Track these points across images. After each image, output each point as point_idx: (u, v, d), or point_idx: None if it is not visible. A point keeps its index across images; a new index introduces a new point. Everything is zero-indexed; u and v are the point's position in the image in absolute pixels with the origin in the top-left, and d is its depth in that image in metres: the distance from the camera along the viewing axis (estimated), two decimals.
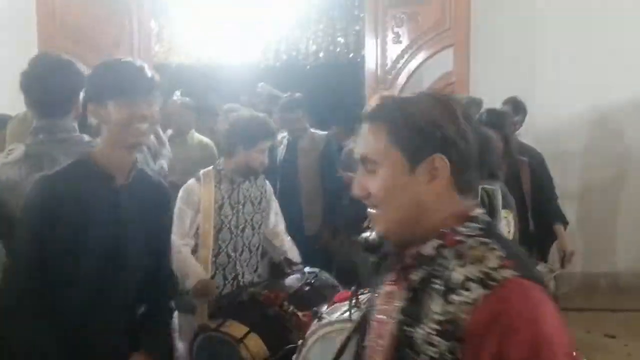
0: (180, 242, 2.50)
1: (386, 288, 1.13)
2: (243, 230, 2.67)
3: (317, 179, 4.05)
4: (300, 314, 2.36)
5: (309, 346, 1.94)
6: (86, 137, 2.10)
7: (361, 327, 1.23)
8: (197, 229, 2.58)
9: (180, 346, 2.62)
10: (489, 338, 0.92)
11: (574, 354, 0.98)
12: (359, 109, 3.87)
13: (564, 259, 3.37)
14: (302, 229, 3.89)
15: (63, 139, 2.01)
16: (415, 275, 1.04)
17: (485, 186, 1.95)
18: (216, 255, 2.61)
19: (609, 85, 4.63)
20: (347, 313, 1.74)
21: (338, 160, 3.78)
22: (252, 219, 2.70)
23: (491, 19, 4.60)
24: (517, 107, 3.92)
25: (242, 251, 2.68)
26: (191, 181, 2.64)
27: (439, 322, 0.97)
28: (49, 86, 1.94)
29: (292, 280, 2.64)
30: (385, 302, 1.11)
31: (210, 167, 2.69)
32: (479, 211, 1.07)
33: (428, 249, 1.04)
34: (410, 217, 1.05)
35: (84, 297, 1.69)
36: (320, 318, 1.97)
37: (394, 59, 4.60)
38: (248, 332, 2.24)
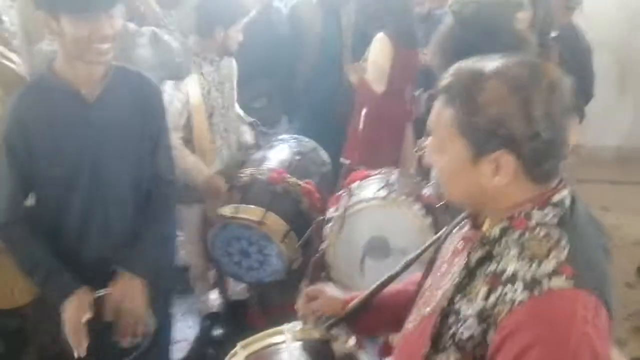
0: (174, 136, 2.42)
1: (456, 243, 1.13)
2: (228, 109, 2.64)
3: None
4: (301, 182, 2.48)
5: (350, 219, 2.14)
6: (132, 26, 2.08)
7: (429, 262, 1.23)
8: (187, 118, 2.47)
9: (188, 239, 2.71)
10: (518, 335, 0.91)
11: None
12: None
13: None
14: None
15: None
16: (474, 256, 1.02)
17: None
18: (212, 142, 2.57)
19: None
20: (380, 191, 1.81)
21: None
22: (231, 97, 2.68)
23: None
24: None
25: (230, 130, 2.68)
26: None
27: (479, 306, 0.98)
28: None
29: (280, 152, 2.69)
30: (451, 259, 1.13)
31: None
32: (562, 195, 1.00)
33: (495, 230, 1.01)
34: (474, 201, 1.04)
35: (72, 216, 1.66)
36: (351, 195, 2.17)
37: None
38: (265, 213, 2.32)
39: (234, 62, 2.70)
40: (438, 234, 1.29)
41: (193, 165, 2.44)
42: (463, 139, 0.98)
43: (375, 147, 3.07)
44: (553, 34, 3.05)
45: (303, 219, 2.45)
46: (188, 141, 2.48)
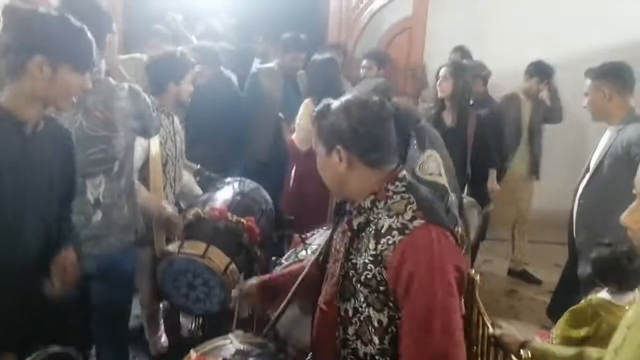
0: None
1: (341, 228, 1.57)
2: (178, 159, 2.87)
3: None
4: (243, 220, 2.66)
5: None
6: (112, 81, 2.22)
7: (324, 251, 1.69)
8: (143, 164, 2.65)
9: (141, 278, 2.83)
10: (404, 265, 1.36)
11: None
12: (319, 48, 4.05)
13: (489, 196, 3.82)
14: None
15: (93, 79, 2.04)
16: (356, 222, 1.48)
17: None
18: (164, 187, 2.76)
19: (559, 36, 4.88)
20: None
21: None
22: (181, 148, 2.91)
23: None
24: (463, 55, 4.26)
25: (177, 181, 2.89)
26: None
27: (372, 255, 1.42)
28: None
29: (224, 193, 2.89)
30: (340, 239, 1.56)
31: None
32: (403, 173, 1.48)
33: (367, 202, 1.48)
34: (337, 186, 1.52)
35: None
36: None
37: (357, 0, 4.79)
38: (207, 247, 2.47)
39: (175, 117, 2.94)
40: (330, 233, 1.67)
41: (151, 200, 2.62)
42: (321, 142, 1.49)
43: (304, 201, 3.38)
44: (471, 102, 3.62)
45: (244, 253, 2.63)
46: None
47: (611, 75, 2.75)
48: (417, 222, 1.39)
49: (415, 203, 1.43)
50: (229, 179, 3.08)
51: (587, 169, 2.88)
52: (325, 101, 1.54)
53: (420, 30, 4.79)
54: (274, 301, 1.79)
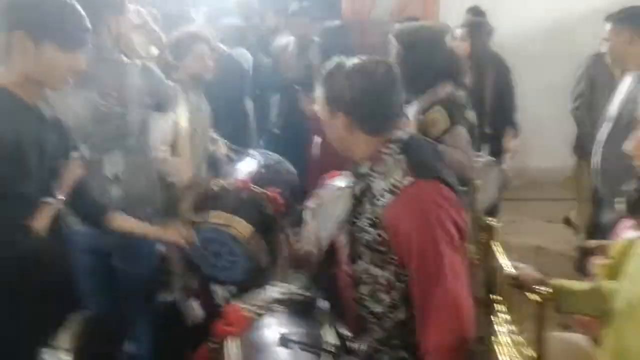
0: (162, 147, 2.69)
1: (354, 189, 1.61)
2: (202, 133, 2.94)
3: None
4: (266, 191, 2.68)
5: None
6: (125, 59, 2.25)
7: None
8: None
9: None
10: (400, 226, 1.43)
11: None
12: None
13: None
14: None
15: (105, 58, 2.12)
16: (357, 187, 1.56)
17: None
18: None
19: None
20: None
21: None
22: (206, 126, 2.97)
23: None
24: (477, 14, 4.15)
25: (206, 152, 2.98)
26: None
27: (368, 218, 1.50)
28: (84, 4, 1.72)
29: (248, 165, 2.94)
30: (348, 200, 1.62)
31: None
32: (398, 135, 1.54)
33: (364, 168, 1.55)
34: (340, 145, 1.59)
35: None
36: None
37: None
38: (232, 217, 2.51)
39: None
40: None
41: (180, 166, 2.71)
42: (325, 103, 1.56)
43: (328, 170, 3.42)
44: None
45: (267, 223, 2.66)
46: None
47: (632, 19, 2.73)
48: (406, 181, 1.45)
49: (405, 162, 1.49)
50: (252, 152, 3.14)
51: (607, 119, 2.88)
52: (335, 60, 1.58)
53: None
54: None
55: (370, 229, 1.49)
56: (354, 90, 1.51)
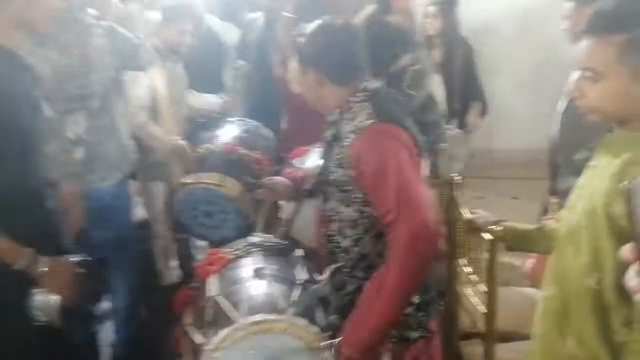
0: (141, 113, 2.83)
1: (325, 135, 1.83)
2: (180, 98, 3.12)
3: None
4: (251, 153, 2.86)
5: None
6: (90, 19, 2.28)
7: None
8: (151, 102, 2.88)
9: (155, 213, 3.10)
10: (360, 165, 1.60)
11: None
12: None
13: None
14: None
15: (68, 16, 2.12)
16: (329, 133, 1.76)
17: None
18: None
19: None
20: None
21: None
22: (182, 95, 3.16)
23: None
24: None
25: (183, 119, 3.16)
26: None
27: (336, 159, 1.68)
28: None
29: (230, 130, 3.10)
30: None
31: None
32: (366, 84, 1.72)
33: (334, 116, 1.75)
34: (314, 100, 1.78)
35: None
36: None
37: None
38: (222, 176, 2.68)
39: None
40: None
41: (161, 134, 2.84)
42: (297, 61, 1.77)
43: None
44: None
45: (253, 182, 2.75)
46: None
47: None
48: (367, 122, 1.63)
49: (369, 107, 1.66)
50: (230, 118, 3.30)
51: (565, 92, 3.08)
52: (303, 24, 1.77)
53: None
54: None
55: (338, 169, 1.68)
56: (319, 45, 1.70)
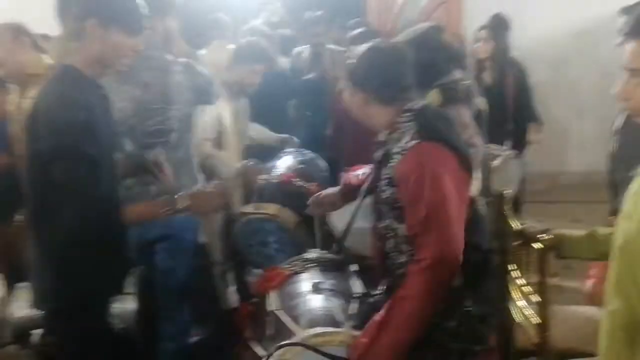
0: (206, 143, 2.93)
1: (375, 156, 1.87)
2: (243, 130, 3.24)
3: None
4: (306, 185, 2.91)
5: None
6: (170, 57, 2.38)
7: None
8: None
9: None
10: (402, 183, 1.65)
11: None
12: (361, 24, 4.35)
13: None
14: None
15: (150, 55, 2.21)
16: (378, 154, 1.81)
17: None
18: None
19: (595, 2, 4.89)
20: None
21: None
22: (245, 128, 3.27)
23: None
24: (500, 22, 4.23)
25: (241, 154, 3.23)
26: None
27: (385, 178, 1.73)
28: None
29: (288, 160, 3.19)
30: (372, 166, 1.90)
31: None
32: (411, 104, 1.75)
33: (383, 136, 1.80)
34: (364, 119, 1.83)
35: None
36: None
37: None
38: (279, 207, 2.74)
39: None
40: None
41: (227, 160, 2.96)
42: (349, 87, 1.84)
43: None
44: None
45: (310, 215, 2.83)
46: None
47: None
48: (412, 143, 1.67)
49: (415, 127, 1.70)
50: (288, 149, 3.40)
51: (622, 108, 3.05)
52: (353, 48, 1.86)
53: (457, 3, 4.94)
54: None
55: (388, 188, 1.73)
56: (365, 66, 1.77)
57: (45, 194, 1.70)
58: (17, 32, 2.80)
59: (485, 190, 2.48)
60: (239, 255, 3.02)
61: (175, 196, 1.97)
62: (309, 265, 1.94)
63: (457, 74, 2.60)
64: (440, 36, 2.65)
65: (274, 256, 2.79)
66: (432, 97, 2.48)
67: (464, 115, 2.50)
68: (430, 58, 2.43)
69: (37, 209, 1.76)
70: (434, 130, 1.71)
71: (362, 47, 1.81)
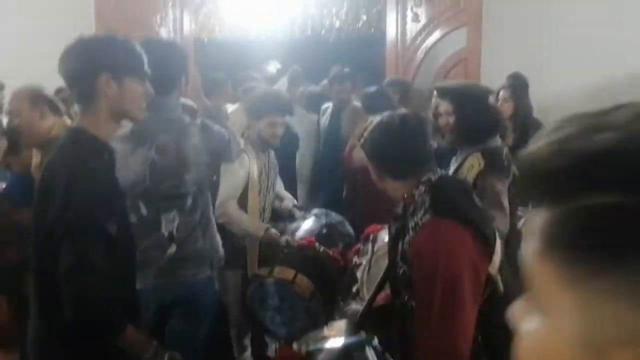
0: (232, 203, 2.89)
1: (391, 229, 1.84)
2: (268, 192, 3.14)
3: None
4: (329, 251, 2.86)
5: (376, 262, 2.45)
6: (187, 119, 2.38)
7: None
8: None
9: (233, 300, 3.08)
10: (415, 262, 1.59)
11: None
12: (378, 83, 4.45)
13: None
14: (341, 194, 4.15)
15: (167, 117, 2.23)
16: (393, 227, 1.78)
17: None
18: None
19: (613, 60, 4.75)
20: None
21: None
22: (273, 183, 3.19)
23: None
24: (519, 81, 4.14)
25: (266, 210, 3.16)
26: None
27: (400, 253, 1.68)
28: (158, 66, 1.94)
29: (312, 223, 3.13)
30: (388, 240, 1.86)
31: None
32: (426, 177, 1.68)
33: (399, 209, 1.76)
34: (383, 189, 1.77)
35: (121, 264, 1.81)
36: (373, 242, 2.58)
37: (412, 36, 5.02)
38: (296, 274, 2.65)
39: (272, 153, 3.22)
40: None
41: (251, 222, 2.92)
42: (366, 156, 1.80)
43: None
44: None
45: (328, 282, 2.78)
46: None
47: None
48: (426, 219, 1.60)
49: (429, 202, 1.62)
50: (316, 210, 3.32)
51: None
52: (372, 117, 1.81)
53: (475, 61, 4.89)
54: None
55: (401, 264, 1.67)
56: (375, 142, 1.72)
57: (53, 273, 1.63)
58: (35, 99, 2.77)
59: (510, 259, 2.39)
60: (253, 319, 2.94)
61: None
62: (323, 345, 1.84)
63: (499, 140, 2.58)
64: (489, 98, 2.64)
65: (287, 323, 2.78)
66: (474, 161, 2.49)
67: (496, 185, 2.43)
68: (479, 118, 2.47)
69: (42, 289, 1.74)
70: (450, 204, 1.63)
71: (375, 121, 1.76)
